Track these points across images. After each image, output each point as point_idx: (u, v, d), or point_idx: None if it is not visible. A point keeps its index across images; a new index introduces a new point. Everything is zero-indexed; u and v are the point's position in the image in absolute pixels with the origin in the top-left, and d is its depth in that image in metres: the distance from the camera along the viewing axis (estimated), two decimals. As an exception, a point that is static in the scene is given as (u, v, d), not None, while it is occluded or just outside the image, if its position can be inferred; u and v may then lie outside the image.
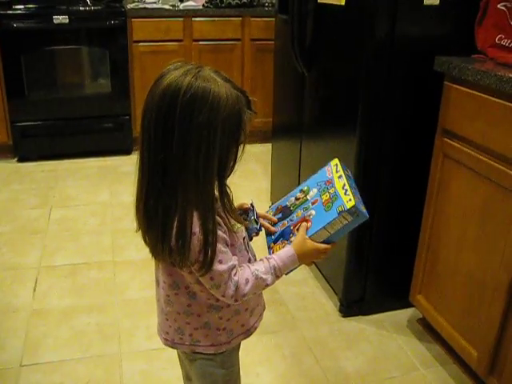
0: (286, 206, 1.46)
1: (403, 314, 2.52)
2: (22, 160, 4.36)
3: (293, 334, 2.37)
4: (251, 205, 1.44)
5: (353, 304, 2.49)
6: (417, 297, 2.30)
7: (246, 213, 1.44)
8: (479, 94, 1.82)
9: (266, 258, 1.30)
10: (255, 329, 1.44)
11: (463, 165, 1.94)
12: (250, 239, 1.42)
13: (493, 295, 1.84)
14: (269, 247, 1.41)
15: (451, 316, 2.10)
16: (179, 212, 1.16)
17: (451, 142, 1.99)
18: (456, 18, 2.10)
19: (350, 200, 1.26)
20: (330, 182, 1.39)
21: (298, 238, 1.32)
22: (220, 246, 1.19)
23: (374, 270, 2.43)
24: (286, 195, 1.51)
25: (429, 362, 2.23)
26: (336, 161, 1.48)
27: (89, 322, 2.42)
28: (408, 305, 2.41)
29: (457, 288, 2.04)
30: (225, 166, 1.20)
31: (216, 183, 1.19)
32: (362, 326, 2.45)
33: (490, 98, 1.77)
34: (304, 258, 1.31)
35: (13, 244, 3.07)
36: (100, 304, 2.55)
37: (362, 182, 2.25)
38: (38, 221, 3.35)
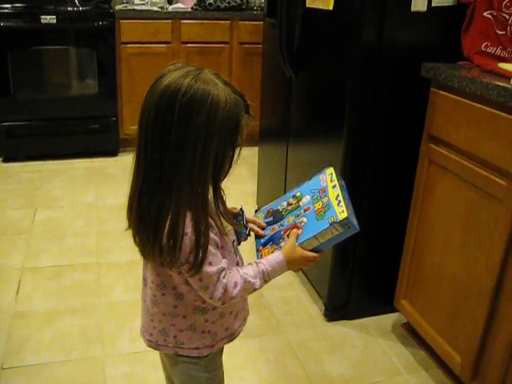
0: (278, 210, 1.46)
1: (388, 319, 2.52)
2: (7, 160, 4.32)
3: (277, 338, 2.37)
4: (240, 209, 1.44)
5: (338, 308, 2.49)
6: (401, 301, 2.31)
7: (235, 217, 1.43)
8: (465, 100, 1.83)
9: (255, 262, 1.30)
10: (239, 333, 1.44)
11: (448, 170, 1.95)
12: (239, 243, 1.41)
13: (477, 300, 1.84)
14: (257, 250, 1.41)
15: (435, 321, 2.10)
16: (172, 212, 1.16)
17: (437, 148, 2.00)
18: (443, 24, 2.11)
19: (343, 212, 1.27)
20: (323, 191, 1.39)
21: (288, 244, 1.32)
22: (211, 248, 1.19)
23: (358, 275, 2.43)
24: (278, 198, 1.51)
25: (413, 366, 2.24)
26: (331, 170, 1.47)
27: (72, 325, 2.40)
28: (393, 309, 2.41)
29: (441, 293, 2.05)
30: (220, 168, 1.21)
31: (211, 185, 1.21)
32: (347, 330, 2.45)
33: (476, 104, 1.78)
34: (292, 264, 1.32)
35: (-3, 245, 3.04)
36: (84, 306, 2.53)
37: (349, 185, 2.24)
38: (22, 222, 3.32)
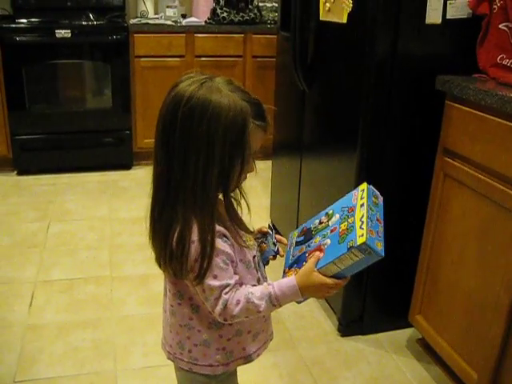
0: (310, 228, 1.37)
1: (402, 334, 2.49)
2: (21, 173, 4.34)
3: (290, 353, 2.35)
4: (270, 227, 1.42)
5: (351, 323, 2.47)
6: (416, 317, 2.28)
7: (264, 236, 1.41)
8: (480, 113, 1.81)
9: (268, 283, 1.24)
10: (257, 356, 1.39)
11: (464, 184, 1.92)
12: (267, 263, 1.39)
13: (493, 316, 1.82)
14: (283, 272, 1.35)
15: (451, 337, 2.07)
16: (180, 221, 1.17)
17: (452, 162, 1.98)
18: (458, 37, 2.10)
19: (362, 236, 1.15)
20: (352, 210, 1.27)
21: (305, 269, 1.23)
22: (218, 261, 1.18)
23: (373, 290, 2.41)
24: (315, 215, 1.41)
25: (428, 383, 2.20)
26: (364, 185, 1.35)
27: (84, 338, 2.39)
28: (407, 325, 2.38)
29: (456, 308, 2.02)
30: (228, 178, 1.18)
31: (221, 195, 1.20)
32: (361, 345, 2.42)
33: (492, 117, 1.76)
34: (308, 291, 1.23)
35: (10, 258, 3.05)
36: (96, 320, 2.53)
37: (362, 200, 2.23)
38: (36, 235, 3.33)
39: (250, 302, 1.19)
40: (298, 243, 1.36)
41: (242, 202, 1.31)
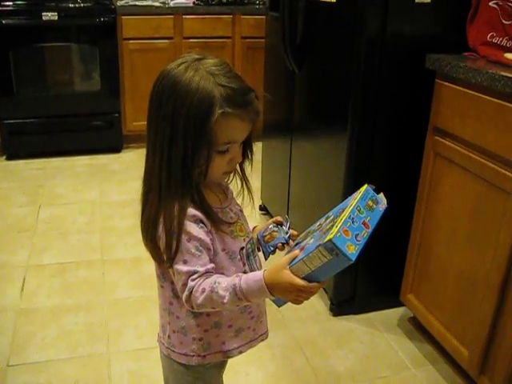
0: (309, 231, 1.28)
1: (394, 313, 2.51)
2: (10, 158, 4.31)
3: (283, 334, 2.36)
4: (286, 218, 1.36)
5: (343, 303, 2.48)
6: (407, 296, 2.29)
7: (278, 226, 1.33)
8: (471, 91, 1.81)
9: (237, 275, 1.14)
10: (239, 353, 1.31)
11: (454, 163, 1.93)
12: (274, 251, 1.31)
13: (484, 294, 1.83)
14: None
15: (442, 315, 2.09)
16: (154, 206, 1.16)
17: (442, 140, 1.98)
18: (447, 15, 2.10)
19: (332, 233, 1.02)
20: (343, 211, 1.15)
21: (276, 265, 1.10)
22: (190, 247, 1.12)
23: (364, 269, 2.42)
24: (320, 218, 1.31)
25: (420, 361, 2.22)
26: (364, 187, 1.25)
27: (77, 322, 2.39)
28: (399, 304, 2.40)
29: (448, 287, 2.04)
30: (192, 167, 1.11)
31: (192, 182, 1.14)
32: (353, 325, 2.43)
33: (482, 95, 1.76)
34: (277, 289, 1.09)
35: (1, 242, 3.04)
36: (88, 303, 2.53)
37: (353, 178, 2.24)
38: (26, 219, 3.31)
39: (214, 291, 1.10)
40: (296, 245, 1.27)
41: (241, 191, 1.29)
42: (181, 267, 1.12)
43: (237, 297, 1.10)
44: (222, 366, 1.41)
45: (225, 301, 1.10)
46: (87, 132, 4.40)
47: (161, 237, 1.14)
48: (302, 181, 2.71)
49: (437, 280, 2.10)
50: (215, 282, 1.11)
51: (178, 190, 1.12)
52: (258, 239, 1.34)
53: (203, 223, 1.15)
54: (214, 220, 1.17)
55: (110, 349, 2.24)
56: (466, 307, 1.95)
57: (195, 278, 1.12)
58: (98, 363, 2.16)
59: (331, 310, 2.50)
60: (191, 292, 1.12)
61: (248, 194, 1.30)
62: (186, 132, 1.08)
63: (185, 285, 1.13)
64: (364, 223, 1.15)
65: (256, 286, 1.09)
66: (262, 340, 1.38)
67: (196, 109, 1.06)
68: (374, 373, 2.16)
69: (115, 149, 4.51)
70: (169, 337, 1.31)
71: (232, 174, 1.27)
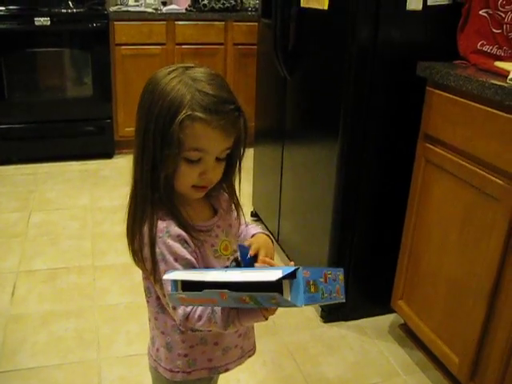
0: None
1: (385, 320, 2.51)
2: (1, 163, 4.29)
3: (274, 340, 2.36)
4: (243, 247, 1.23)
5: (334, 310, 2.48)
6: (398, 302, 2.29)
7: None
8: (461, 99, 1.82)
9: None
10: (225, 370, 1.30)
11: (445, 170, 1.94)
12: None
13: (474, 301, 1.83)
14: None
15: (433, 322, 2.09)
16: (130, 211, 1.16)
17: (433, 148, 1.99)
18: (439, 23, 2.11)
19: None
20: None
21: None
22: (177, 267, 1.09)
23: (355, 275, 2.42)
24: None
25: (410, 367, 2.23)
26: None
27: (67, 328, 2.38)
28: (390, 310, 2.41)
29: (438, 294, 2.04)
30: (160, 170, 1.09)
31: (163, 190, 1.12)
32: (344, 331, 2.44)
33: (472, 103, 1.77)
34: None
35: (-9, 248, 3.02)
36: (79, 309, 2.52)
37: (344, 185, 2.24)
38: (17, 224, 3.30)
39: (212, 321, 1.08)
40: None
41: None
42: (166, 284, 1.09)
43: (235, 326, 1.08)
44: (210, 379, 1.37)
45: (224, 331, 1.10)
46: (79, 137, 4.39)
47: (145, 257, 1.13)
48: (294, 187, 2.71)
49: (427, 286, 2.11)
50: (213, 312, 1.08)
51: (147, 195, 1.11)
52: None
53: (187, 243, 1.12)
54: (202, 240, 1.16)
55: (101, 355, 2.23)
56: (456, 314, 1.95)
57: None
58: (88, 369, 2.15)
59: (322, 316, 2.50)
60: (187, 318, 1.10)
61: (237, 217, 1.28)
62: (156, 132, 1.06)
63: (176, 308, 1.11)
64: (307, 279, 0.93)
65: (254, 321, 1.08)
66: (250, 356, 1.36)
67: (166, 109, 1.05)
68: (365, 379, 2.16)
69: (107, 154, 4.49)
70: (157, 350, 1.29)
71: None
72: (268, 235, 1.27)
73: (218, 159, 1.12)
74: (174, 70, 1.10)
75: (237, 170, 1.22)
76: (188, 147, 1.07)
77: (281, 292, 0.89)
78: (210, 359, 1.26)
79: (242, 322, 1.07)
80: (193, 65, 1.12)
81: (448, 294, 1.99)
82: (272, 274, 0.89)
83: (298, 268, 0.89)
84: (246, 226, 1.33)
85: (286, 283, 0.89)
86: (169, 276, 1.04)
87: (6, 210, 3.49)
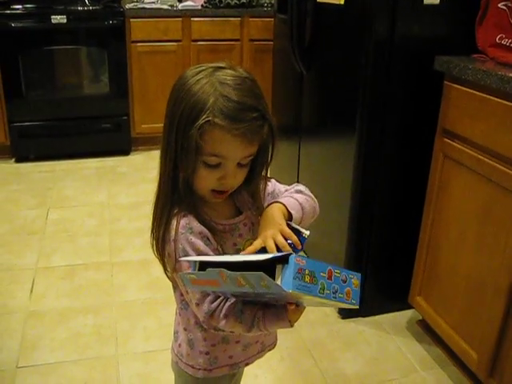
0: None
1: (402, 316, 2.50)
2: (19, 160, 4.33)
3: (291, 336, 2.35)
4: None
5: (352, 305, 2.47)
6: (416, 298, 2.28)
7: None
8: (480, 93, 1.81)
9: (259, 308, 1.08)
10: (245, 365, 1.31)
11: (463, 165, 1.92)
12: None
13: (493, 297, 1.82)
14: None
15: (451, 318, 2.08)
16: (156, 209, 1.16)
17: (451, 143, 1.97)
18: (456, 17, 2.09)
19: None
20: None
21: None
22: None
23: (373, 272, 2.41)
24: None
25: (428, 363, 2.21)
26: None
27: (86, 324, 2.40)
28: (407, 306, 2.39)
29: (457, 290, 2.03)
30: (180, 170, 1.09)
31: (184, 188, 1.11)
32: (361, 327, 2.43)
33: (491, 97, 1.75)
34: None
35: (10, 245, 3.05)
36: (97, 305, 2.53)
37: (362, 181, 2.23)
38: (35, 221, 3.33)
39: (237, 321, 1.07)
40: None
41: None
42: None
43: (259, 329, 1.07)
44: (233, 375, 1.37)
45: (250, 333, 1.09)
46: (96, 134, 4.41)
47: (167, 253, 1.13)
48: (311, 183, 2.68)
49: (445, 282, 2.10)
50: (240, 311, 1.07)
51: (168, 192, 1.12)
52: None
53: (209, 240, 1.12)
54: (225, 236, 1.15)
55: (119, 351, 2.24)
56: (474, 310, 1.94)
57: (213, 300, 1.08)
58: (106, 365, 2.16)
59: (339, 312, 2.50)
60: (212, 315, 1.09)
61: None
62: (178, 131, 1.05)
63: (199, 304, 1.10)
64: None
65: (280, 326, 1.07)
66: (270, 350, 1.36)
67: (188, 111, 1.03)
68: (383, 375, 2.15)
69: (124, 151, 4.51)
70: (179, 345, 1.29)
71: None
72: (275, 205, 1.17)
73: (239, 164, 1.10)
74: (203, 70, 1.07)
75: (261, 176, 1.19)
76: (207, 152, 1.05)
77: (273, 276, 0.89)
78: (231, 356, 1.26)
79: (267, 326, 1.06)
80: (224, 65, 1.09)
81: (466, 290, 1.97)
82: (264, 256, 0.90)
83: (290, 253, 0.90)
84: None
85: (279, 267, 0.90)
86: (187, 258, 1.05)
87: (24, 207, 3.52)
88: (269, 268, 0.89)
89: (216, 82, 1.04)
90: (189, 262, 1.05)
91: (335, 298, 0.95)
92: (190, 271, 1.02)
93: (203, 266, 1.01)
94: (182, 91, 1.06)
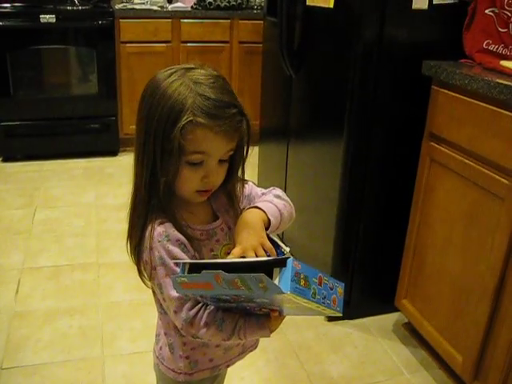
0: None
1: (389, 319, 2.51)
2: (6, 160, 4.31)
3: (278, 338, 2.36)
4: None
5: (338, 308, 2.47)
6: (402, 301, 2.29)
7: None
8: (467, 98, 1.82)
9: (240, 315, 1.09)
10: (226, 367, 1.30)
11: (450, 169, 1.93)
12: None
13: (478, 300, 1.83)
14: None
15: (436, 321, 2.09)
16: (132, 214, 1.16)
17: (438, 147, 1.99)
18: (444, 22, 2.11)
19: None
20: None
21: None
22: (179, 272, 1.05)
23: (359, 274, 2.42)
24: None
25: (414, 366, 2.22)
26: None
27: (71, 325, 2.39)
28: (393, 309, 2.40)
29: (442, 293, 2.04)
30: (160, 174, 1.07)
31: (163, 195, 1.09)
32: (348, 330, 2.44)
33: (478, 102, 1.77)
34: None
35: (-4, 245, 3.03)
36: (83, 306, 2.52)
37: (349, 184, 2.24)
38: (21, 221, 3.31)
39: (218, 329, 1.08)
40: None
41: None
42: (171, 292, 1.08)
43: (238, 338, 1.08)
44: (215, 377, 1.35)
45: (227, 341, 1.10)
46: (84, 135, 4.39)
47: (145, 260, 1.13)
48: (299, 185, 2.71)
49: (431, 285, 2.11)
50: (221, 319, 1.07)
51: (145, 199, 1.10)
52: None
53: (186, 248, 1.11)
54: (201, 243, 1.15)
55: (105, 352, 2.23)
56: (460, 313, 1.95)
57: (191, 307, 1.08)
58: (92, 366, 2.15)
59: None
60: (191, 323, 1.08)
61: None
62: (156, 136, 1.05)
63: (177, 312, 1.09)
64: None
65: (260, 335, 1.08)
66: (251, 351, 1.35)
67: (167, 113, 1.03)
68: (369, 378, 2.16)
69: (112, 152, 4.50)
70: (160, 348, 1.29)
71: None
72: (254, 211, 1.17)
73: (220, 161, 1.10)
74: (174, 73, 1.07)
75: (239, 172, 1.20)
76: (190, 151, 1.05)
77: (270, 277, 0.90)
78: (211, 359, 1.25)
79: (247, 334, 1.07)
80: (193, 66, 1.10)
81: (452, 293, 1.99)
82: (264, 259, 0.94)
83: (289, 257, 0.91)
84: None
85: (276, 270, 0.92)
86: (176, 261, 1.06)
87: (11, 207, 3.50)
88: (259, 272, 0.90)
89: (190, 82, 1.05)
90: (178, 264, 1.05)
91: (324, 303, 0.97)
92: (180, 274, 1.02)
93: (193, 268, 1.01)
94: (157, 95, 1.05)
